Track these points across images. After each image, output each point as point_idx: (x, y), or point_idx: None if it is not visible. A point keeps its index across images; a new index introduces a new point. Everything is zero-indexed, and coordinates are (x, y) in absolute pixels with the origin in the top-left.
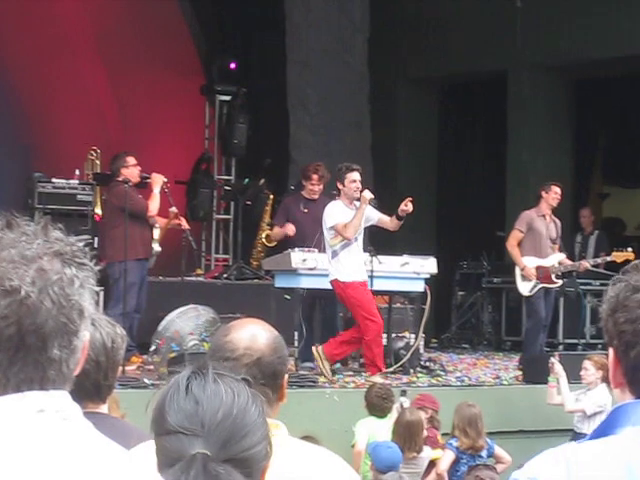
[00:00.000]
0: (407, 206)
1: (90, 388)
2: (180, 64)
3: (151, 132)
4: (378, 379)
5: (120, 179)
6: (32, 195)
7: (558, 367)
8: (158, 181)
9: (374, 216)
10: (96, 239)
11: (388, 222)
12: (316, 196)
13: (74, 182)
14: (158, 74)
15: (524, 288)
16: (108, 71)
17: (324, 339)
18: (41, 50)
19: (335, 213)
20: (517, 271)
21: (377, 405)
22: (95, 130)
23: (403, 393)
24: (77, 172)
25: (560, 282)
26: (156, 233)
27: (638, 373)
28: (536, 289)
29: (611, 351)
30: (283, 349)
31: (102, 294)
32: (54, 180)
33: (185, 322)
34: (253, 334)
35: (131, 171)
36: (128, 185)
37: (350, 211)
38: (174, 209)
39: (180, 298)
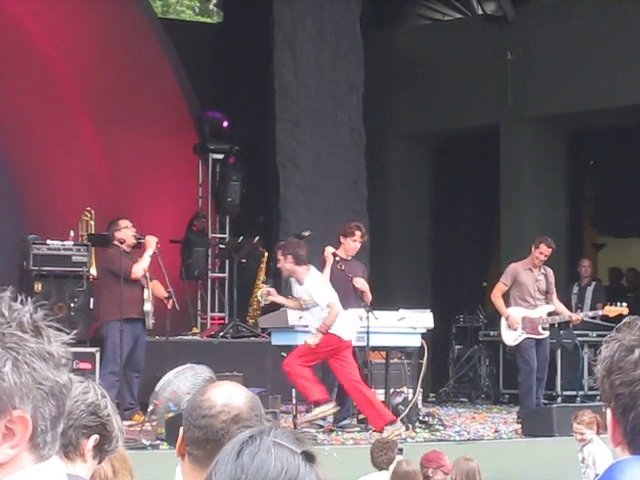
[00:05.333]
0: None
1: None
2: (172, 123)
3: (145, 191)
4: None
5: (115, 242)
6: (27, 257)
7: None
8: (151, 243)
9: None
10: (92, 300)
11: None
12: (354, 254)
13: (69, 243)
14: (151, 133)
15: (509, 338)
16: (100, 131)
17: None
18: (34, 111)
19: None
20: (502, 321)
21: (374, 458)
22: (89, 190)
23: (400, 452)
24: (72, 233)
25: (546, 334)
26: (147, 293)
27: (637, 436)
28: (521, 339)
29: (609, 412)
30: (260, 407)
31: (98, 354)
32: (49, 242)
33: (182, 382)
34: (230, 392)
35: (124, 233)
36: (121, 247)
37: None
38: (168, 295)
39: (177, 357)
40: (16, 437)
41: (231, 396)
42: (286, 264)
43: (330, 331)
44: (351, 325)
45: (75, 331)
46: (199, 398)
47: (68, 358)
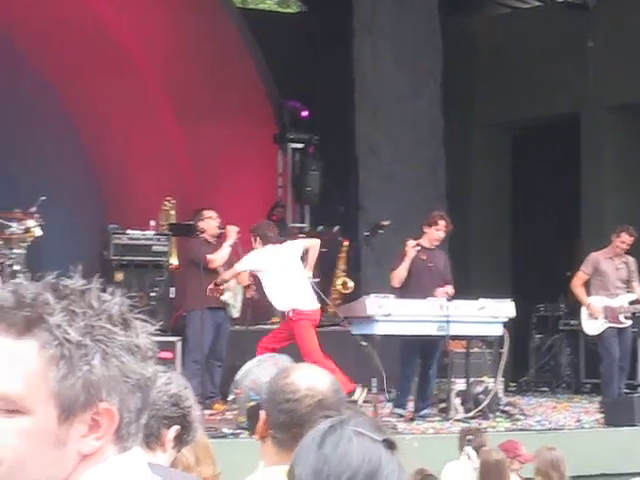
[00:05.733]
0: None
1: None
2: (252, 113)
3: (224, 180)
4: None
5: (197, 232)
6: (107, 247)
7: None
8: (232, 233)
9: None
10: (172, 289)
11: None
12: (437, 243)
13: (149, 233)
14: (231, 123)
15: (590, 327)
16: (181, 121)
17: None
18: (114, 102)
19: None
20: (583, 311)
21: (462, 445)
22: (169, 180)
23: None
24: (152, 223)
25: (628, 323)
26: (231, 284)
27: None
28: (603, 328)
29: None
30: (342, 391)
31: (179, 343)
32: (129, 231)
33: (262, 371)
34: (313, 375)
35: (207, 223)
36: (202, 237)
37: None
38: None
39: (255, 347)
40: (102, 429)
41: (315, 380)
42: (255, 245)
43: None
44: (290, 294)
45: (160, 322)
46: (282, 382)
47: (154, 350)
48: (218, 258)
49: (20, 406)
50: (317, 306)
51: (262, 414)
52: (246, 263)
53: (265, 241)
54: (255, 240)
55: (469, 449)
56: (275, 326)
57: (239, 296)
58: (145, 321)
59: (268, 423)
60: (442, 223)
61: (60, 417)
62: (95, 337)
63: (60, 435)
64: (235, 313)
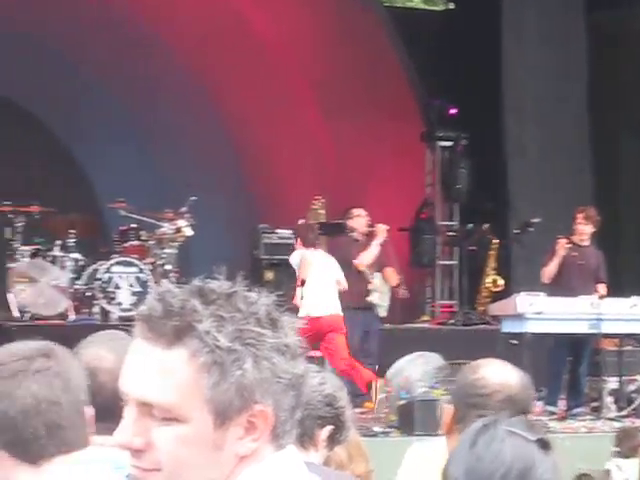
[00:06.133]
0: None
1: None
2: (398, 110)
3: (372, 179)
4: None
5: (346, 231)
6: (258, 246)
7: None
8: (381, 232)
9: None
10: None
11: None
12: (584, 238)
13: None
14: (377, 121)
15: None
16: (327, 120)
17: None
18: (261, 101)
19: None
20: None
21: (621, 446)
22: (318, 179)
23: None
24: (301, 222)
25: None
26: (378, 284)
27: None
28: None
29: None
30: (531, 386)
31: None
32: (278, 231)
33: (413, 369)
34: (504, 371)
35: (356, 222)
36: (352, 236)
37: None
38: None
39: (407, 345)
40: (257, 430)
41: (505, 375)
42: (296, 245)
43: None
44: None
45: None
46: (471, 377)
47: (303, 347)
48: (367, 257)
49: (176, 414)
50: (328, 312)
51: (449, 409)
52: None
53: (305, 243)
54: (296, 240)
55: (618, 460)
56: (425, 325)
57: (386, 296)
58: (290, 316)
59: (455, 418)
60: (580, 216)
61: (216, 422)
62: (245, 341)
63: (217, 439)
64: (383, 312)
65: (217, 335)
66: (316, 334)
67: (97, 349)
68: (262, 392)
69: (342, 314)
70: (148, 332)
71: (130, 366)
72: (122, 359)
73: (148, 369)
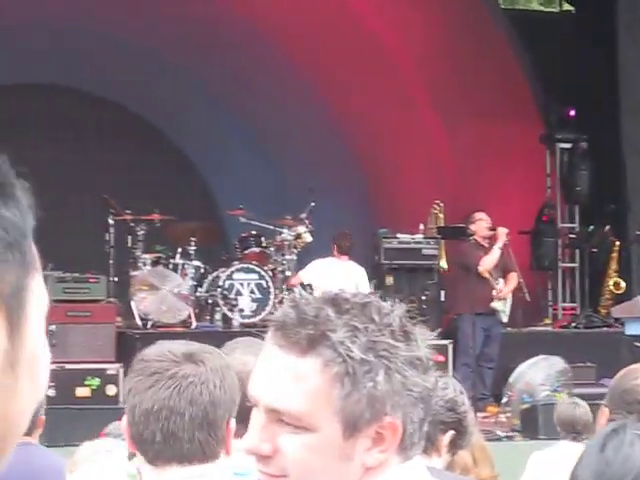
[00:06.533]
0: None
1: None
2: (517, 113)
3: (491, 182)
4: None
5: (469, 234)
6: (378, 251)
7: None
8: (501, 235)
9: None
10: (442, 292)
11: None
12: None
13: (419, 237)
14: (495, 124)
15: None
16: (445, 122)
17: None
18: (379, 104)
19: None
20: None
21: None
22: (435, 183)
23: None
24: (421, 226)
25: None
26: (498, 286)
27: None
28: None
29: None
30: None
31: (451, 346)
32: (399, 235)
33: (536, 373)
34: None
35: (477, 226)
36: (472, 240)
37: None
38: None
39: (529, 349)
40: (386, 442)
41: None
42: (334, 252)
43: None
44: None
45: (438, 330)
46: (632, 382)
47: (434, 360)
48: (489, 261)
49: (306, 423)
50: None
51: (604, 412)
52: (305, 272)
53: (340, 250)
54: (333, 248)
55: None
56: (547, 328)
57: (508, 301)
58: (423, 330)
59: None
60: None
61: (345, 432)
62: (378, 353)
63: (346, 450)
64: (504, 318)
65: (350, 345)
66: None
67: (241, 354)
68: (392, 404)
69: None
70: (281, 339)
71: (261, 372)
72: None
73: (280, 376)
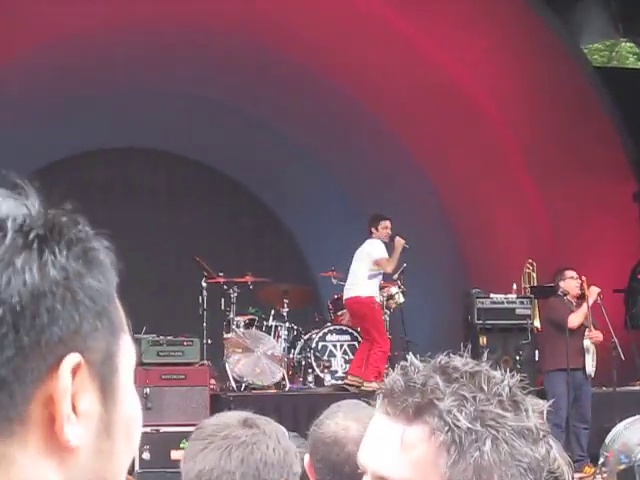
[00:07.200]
0: None
1: None
2: (610, 171)
3: (584, 240)
4: (375, 385)
5: (558, 293)
6: (471, 311)
7: None
8: (593, 294)
9: None
10: (536, 352)
11: None
12: None
13: (512, 296)
14: (588, 182)
15: None
16: (537, 181)
17: None
18: (472, 164)
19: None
20: None
21: None
22: (529, 242)
23: None
24: (514, 286)
25: None
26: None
27: None
28: None
29: None
30: None
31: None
32: (492, 295)
33: (633, 433)
34: None
35: (567, 284)
36: (565, 298)
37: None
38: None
39: (625, 409)
40: None
41: None
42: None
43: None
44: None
45: (550, 402)
46: None
47: (546, 430)
48: (577, 318)
49: None
50: (347, 295)
51: None
52: None
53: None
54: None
55: None
56: None
57: (593, 358)
58: (534, 400)
59: None
60: None
61: None
62: (485, 422)
63: None
64: (591, 370)
65: (458, 415)
66: None
67: (343, 419)
68: (500, 474)
69: None
70: (388, 406)
71: (370, 439)
72: (366, 428)
73: (387, 444)
